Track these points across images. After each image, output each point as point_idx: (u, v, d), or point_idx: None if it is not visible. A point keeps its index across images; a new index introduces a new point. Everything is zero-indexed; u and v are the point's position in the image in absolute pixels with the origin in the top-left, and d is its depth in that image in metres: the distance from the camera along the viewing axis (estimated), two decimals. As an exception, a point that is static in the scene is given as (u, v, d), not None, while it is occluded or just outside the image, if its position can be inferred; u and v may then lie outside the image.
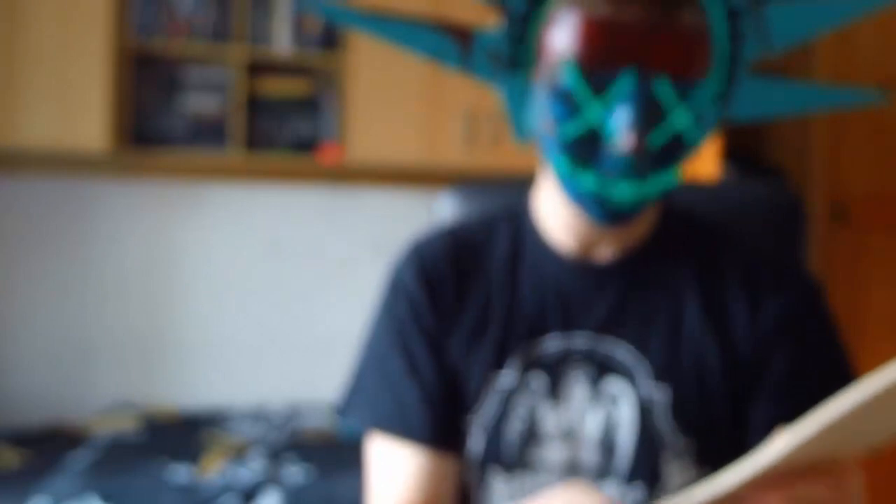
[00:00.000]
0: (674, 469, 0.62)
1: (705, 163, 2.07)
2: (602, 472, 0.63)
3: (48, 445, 1.95)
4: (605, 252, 0.67)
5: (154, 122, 2.20)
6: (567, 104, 0.57)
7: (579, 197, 0.60)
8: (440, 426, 0.66)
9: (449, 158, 2.20)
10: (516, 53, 0.62)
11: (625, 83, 0.55)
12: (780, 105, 0.64)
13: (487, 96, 2.44)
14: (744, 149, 2.41)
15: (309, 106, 2.27)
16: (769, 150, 2.49)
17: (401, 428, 0.66)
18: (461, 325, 0.68)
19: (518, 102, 0.64)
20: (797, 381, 0.63)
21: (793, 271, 0.69)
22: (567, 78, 0.56)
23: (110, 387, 2.26)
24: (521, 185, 0.93)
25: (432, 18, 0.63)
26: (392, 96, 2.18)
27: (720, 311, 0.66)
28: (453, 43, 0.62)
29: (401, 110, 2.18)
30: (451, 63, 0.63)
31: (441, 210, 0.92)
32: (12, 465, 1.82)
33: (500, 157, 2.20)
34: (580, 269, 0.67)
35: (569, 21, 0.56)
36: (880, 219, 2.37)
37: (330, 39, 2.26)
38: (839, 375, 0.64)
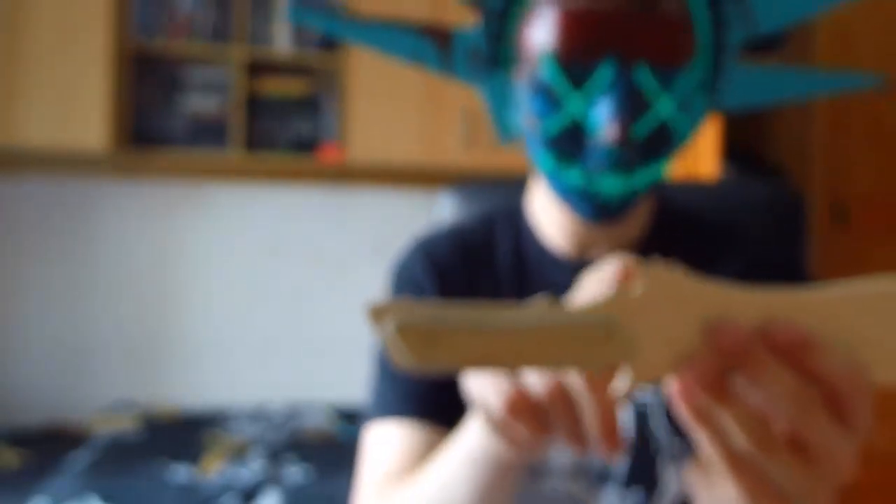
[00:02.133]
0: (671, 472, 0.62)
1: (705, 162, 2.07)
2: (604, 475, 0.63)
3: (48, 445, 1.95)
4: (600, 252, 0.67)
5: (154, 122, 2.20)
6: (548, 99, 0.56)
7: (566, 193, 0.59)
8: (438, 402, 0.63)
9: (449, 158, 2.20)
10: (496, 52, 0.60)
11: (605, 73, 0.54)
12: (774, 92, 0.62)
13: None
14: (744, 148, 2.41)
15: (309, 106, 2.28)
16: (769, 150, 2.49)
17: (398, 409, 0.64)
18: None
19: (500, 102, 0.62)
20: None
21: (788, 264, 0.69)
22: (546, 72, 0.55)
23: (110, 387, 2.26)
24: (521, 186, 0.93)
25: (412, 21, 0.61)
26: (392, 96, 2.18)
27: None
28: (432, 44, 0.61)
29: (401, 110, 2.18)
30: (432, 65, 0.62)
31: (441, 210, 0.92)
32: (12, 465, 1.82)
33: (500, 157, 2.20)
34: (575, 270, 0.66)
35: (546, 15, 0.55)
36: (881, 220, 2.37)
37: (330, 39, 2.26)
38: None
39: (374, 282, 2.37)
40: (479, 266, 0.69)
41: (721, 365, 0.32)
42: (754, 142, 2.51)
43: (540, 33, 0.56)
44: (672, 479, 0.62)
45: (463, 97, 2.19)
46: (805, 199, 0.91)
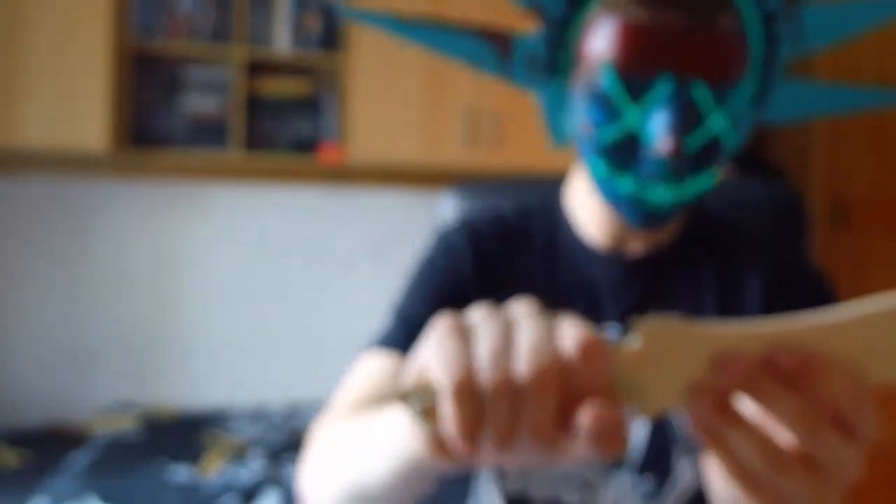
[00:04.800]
0: (685, 464, 0.63)
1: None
2: (617, 462, 0.64)
3: (48, 445, 1.95)
4: (636, 247, 0.68)
5: (154, 122, 2.20)
6: (605, 108, 0.57)
7: (617, 200, 0.61)
8: None
9: (449, 158, 2.20)
10: (555, 59, 0.62)
11: (663, 88, 0.55)
12: (815, 107, 0.64)
13: (487, 96, 2.44)
14: (744, 149, 2.41)
15: (309, 106, 2.28)
16: (770, 151, 2.49)
17: (394, 342, 0.64)
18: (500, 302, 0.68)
19: (556, 107, 0.64)
20: None
21: (812, 271, 0.70)
22: (605, 82, 0.57)
23: (110, 387, 2.26)
24: (522, 185, 0.93)
25: (472, 24, 0.63)
26: (392, 96, 2.18)
27: (736, 311, 0.67)
28: (493, 49, 0.63)
29: (401, 110, 2.18)
30: (491, 69, 0.63)
31: (444, 210, 0.92)
32: (12, 465, 1.82)
33: (501, 156, 2.20)
34: (610, 262, 0.68)
35: (607, 26, 0.56)
36: (881, 220, 2.37)
37: (330, 39, 2.26)
38: None
39: (374, 282, 2.37)
40: (516, 245, 0.71)
41: (729, 390, 0.33)
42: (755, 142, 2.51)
43: (600, 43, 0.57)
44: (685, 469, 0.63)
45: (463, 97, 2.19)
46: (805, 199, 0.92)
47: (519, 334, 0.34)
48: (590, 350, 0.32)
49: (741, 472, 0.34)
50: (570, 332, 0.33)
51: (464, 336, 0.34)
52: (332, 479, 0.52)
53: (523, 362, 0.32)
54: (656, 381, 0.34)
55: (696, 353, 0.34)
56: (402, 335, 0.66)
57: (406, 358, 0.63)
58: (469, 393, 0.32)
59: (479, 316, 0.35)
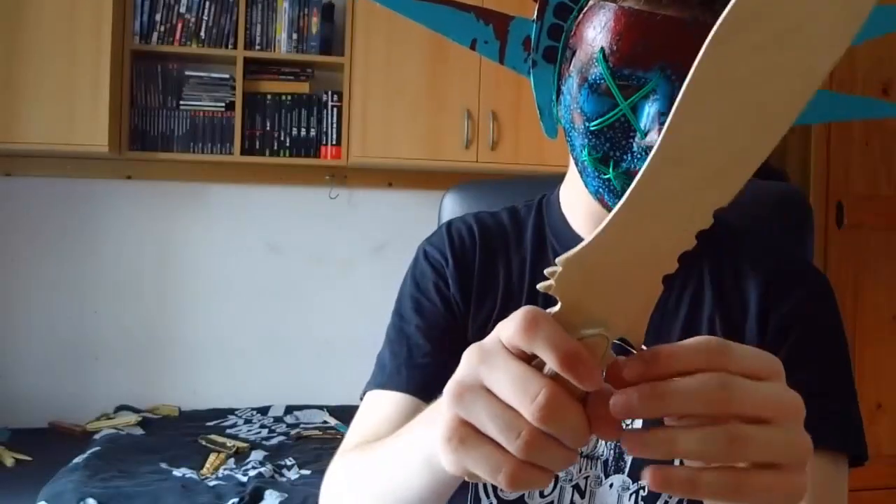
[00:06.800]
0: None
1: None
2: (613, 466, 0.64)
3: (48, 445, 1.95)
4: None
5: (154, 122, 2.20)
6: (596, 99, 0.57)
7: (602, 190, 0.60)
8: (438, 384, 0.64)
9: (449, 159, 2.20)
10: (550, 44, 0.61)
11: (655, 80, 0.55)
12: (814, 112, 0.62)
13: (487, 97, 2.43)
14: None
15: (309, 106, 2.27)
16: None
17: (396, 381, 0.66)
18: (483, 306, 0.68)
19: (549, 94, 0.63)
20: (793, 373, 0.63)
21: (810, 273, 0.69)
22: (598, 72, 0.56)
23: (111, 387, 2.26)
24: (522, 185, 0.93)
25: (472, 6, 0.62)
26: (392, 97, 2.18)
27: (734, 310, 0.66)
28: (491, 31, 0.62)
29: (401, 111, 2.19)
30: (488, 53, 0.63)
31: (445, 210, 0.92)
32: (12, 465, 1.82)
33: (500, 157, 2.20)
34: None
35: (604, 16, 0.56)
36: (879, 219, 2.37)
37: (330, 41, 2.26)
38: (837, 374, 0.64)
39: (374, 282, 2.37)
40: (499, 255, 0.71)
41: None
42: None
43: (596, 33, 0.56)
44: None
45: (464, 98, 2.19)
46: (808, 198, 0.91)
47: (498, 385, 0.35)
48: (571, 356, 0.33)
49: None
50: (546, 348, 0.34)
51: (471, 429, 0.35)
52: (360, 495, 0.54)
53: (530, 413, 0.33)
54: (607, 307, 0.34)
55: (626, 258, 0.34)
56: (399, 369, 0.66)
57: (406, 394, 0.65)
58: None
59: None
